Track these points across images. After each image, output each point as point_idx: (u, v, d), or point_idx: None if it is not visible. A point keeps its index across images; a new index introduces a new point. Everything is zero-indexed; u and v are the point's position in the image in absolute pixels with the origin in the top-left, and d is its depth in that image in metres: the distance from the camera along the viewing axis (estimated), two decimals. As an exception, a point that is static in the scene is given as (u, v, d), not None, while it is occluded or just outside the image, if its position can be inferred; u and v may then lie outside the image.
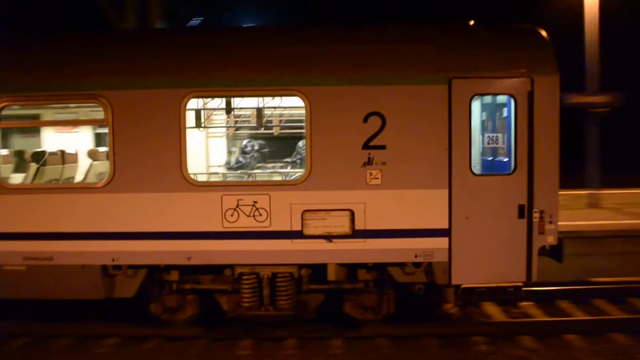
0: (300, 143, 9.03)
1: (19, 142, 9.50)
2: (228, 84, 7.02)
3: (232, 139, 10.27)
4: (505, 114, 7.28)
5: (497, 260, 6.94)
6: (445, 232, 6.85)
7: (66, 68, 7.08)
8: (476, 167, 7.13)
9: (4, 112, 7.17)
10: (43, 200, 7.08)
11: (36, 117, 9.18)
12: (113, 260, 6.97)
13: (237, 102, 8.27)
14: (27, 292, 7.18)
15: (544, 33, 7.15)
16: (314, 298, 7.43)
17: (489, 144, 7.51)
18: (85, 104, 8.11)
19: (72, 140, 9.63)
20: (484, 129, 7.94)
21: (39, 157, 8.33)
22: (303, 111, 6.92)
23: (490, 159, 7.88)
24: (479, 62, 6.88)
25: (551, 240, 6.95)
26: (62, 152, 8.81)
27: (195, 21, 25.46)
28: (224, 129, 9.87)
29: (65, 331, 7.48)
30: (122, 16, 15.49)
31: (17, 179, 8.34)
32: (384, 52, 7.03)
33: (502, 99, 7.40)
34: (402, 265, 7.05)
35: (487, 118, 7.97)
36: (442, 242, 6.86)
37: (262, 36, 7.79)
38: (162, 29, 7.94)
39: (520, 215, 6.86)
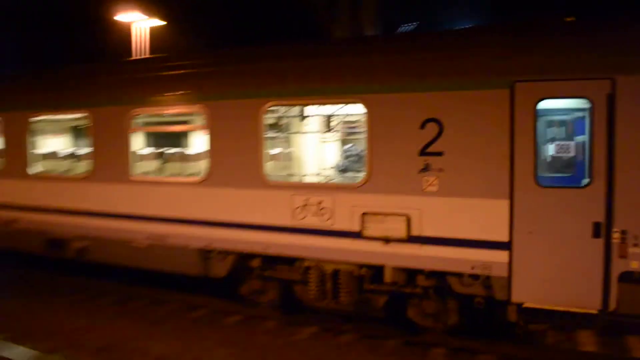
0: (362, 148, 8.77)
1: (151, 143, 11.14)
2: (300, 94, 7.65)
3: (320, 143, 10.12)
4: (579, 119, 6.46)
5: (565, 282, 6.26)
6: (506, 246, 6.43)
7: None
8: (544, 179, 6.49)
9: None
10: (160, 190, 8.63)
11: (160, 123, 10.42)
12: (207, 244, 8.19)
13: (309, 109, 8.85)
14: (146, 264, 8.84)
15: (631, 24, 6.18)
16: (378, 298, 7.63)
17: (558, 153, 6.74)
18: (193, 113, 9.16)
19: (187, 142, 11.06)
20: (553, 136, 7.07)
21: (161, 156, 9.93)
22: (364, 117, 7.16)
23: (560, 170, 7.02)
24: (545, 63, 6.28)
25: (636, 266, 6.03)
26: (177, 152, 10.10)
27: (408, 26, 25.74)
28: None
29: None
30: (335, 19, 16.87)
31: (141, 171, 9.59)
32: (440, 59, 6.89)
33: (575, 102, 6.58)
34: (459, 275, 6.86)
35: (557, 124, 7.07)
36: (501, 256, 6.46)
37: (329, 49, 8.26)
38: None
39: (596, 234, 6.08)
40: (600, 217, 6.08)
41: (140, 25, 18.95)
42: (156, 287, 9.59)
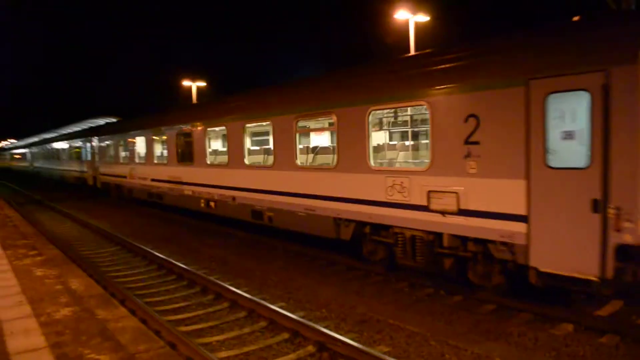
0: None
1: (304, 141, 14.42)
2: (388, 100, 10.12)
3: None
4: (583, 108, 7.30)
5: (571, 251, 7.38)
6: (524, 218, 7.85)
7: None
8: (552, 161, 7.57)
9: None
10: (310, 174, 12.03)
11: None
12: (337, 215, 11.20)
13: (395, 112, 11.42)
14: (303, 229, 12.29)
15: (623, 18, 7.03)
16: (445, 260, 9.51)
17: (565, 139, 7.60)
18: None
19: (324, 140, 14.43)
20: (560, 124, 7.74)
21: (313, 150, 13.39)
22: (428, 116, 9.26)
23: (567, 153, 7.71)
24: (551, 62, 7.51)
25: (629, 239, 6.86)
26: (322, 147, 13.45)
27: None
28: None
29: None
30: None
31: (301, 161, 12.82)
32: (473, 65, 8.66)
33: (578, 94, 7.37)
34: (494, 243, 8.38)
35: (563, 114, 7.66)
36: (521, 227, 7.90)
37: (405, 64, 10.75)
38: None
39: (595, 209, 7.09)
40: (598, 195, 7.06)
41: (411, 21, 19.21)
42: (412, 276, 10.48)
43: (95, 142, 30.06)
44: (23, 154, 71.01)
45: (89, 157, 31.30)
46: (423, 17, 19.21)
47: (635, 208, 6.80)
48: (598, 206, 7.07)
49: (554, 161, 7.62)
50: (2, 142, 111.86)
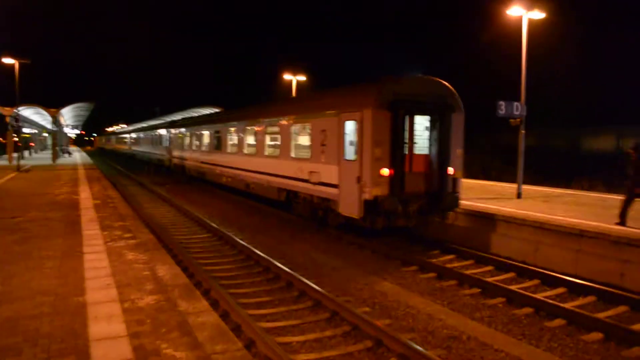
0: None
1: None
2: (301, 118, 16.31)
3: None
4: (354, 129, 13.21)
5: (351, 203, 12.89)
6: (337, 187, 13.65)
7: None
8: (346, 156, 13.41)
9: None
10: (270, 160, 18.69)
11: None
12: (278, 185, 17.71)
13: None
14: (266, 193, 19.20)
15: (381, 85, 12.83)
16: (319, 212, 15.84)
17: (350, 144, 13.36)
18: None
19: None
20: (349, 137, 13.47)
21: (273, 146, 18.89)
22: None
23: (350, 152, 13.35)
24: (347, 105, 13.55)
25: (368, 197, 12.34)
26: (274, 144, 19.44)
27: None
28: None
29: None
30: None
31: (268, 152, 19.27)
32: (324, 103, 15.05)
33: (354, 121, 13.15)
34: (329, 200, 14.30)
35: (351, 131, 13.37)
36: (337, 191, 13.70)
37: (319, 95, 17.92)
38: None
39: (358, 182, 12.65)
40: (359, 174, 12.56)
41: (525, 18, 17.29)
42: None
43: (171, 132, 37.07)
44: (123, 139, 77.23)
45: (167, 144, 38.21)
46: (538, 14, 17.69)
47: (367, 182, 12.33)
48: (359, 180, 12.62)
49: (347, 156, 13.39)
50: (115, 126, 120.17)
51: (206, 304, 6.74)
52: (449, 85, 13.63)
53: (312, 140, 15.12)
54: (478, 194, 17.47)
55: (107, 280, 7.65)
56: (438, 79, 13.54)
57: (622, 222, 11.39)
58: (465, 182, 22.80)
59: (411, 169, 12.97)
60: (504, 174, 27.98)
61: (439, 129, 13.10)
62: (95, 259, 8.93)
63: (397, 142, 12.39)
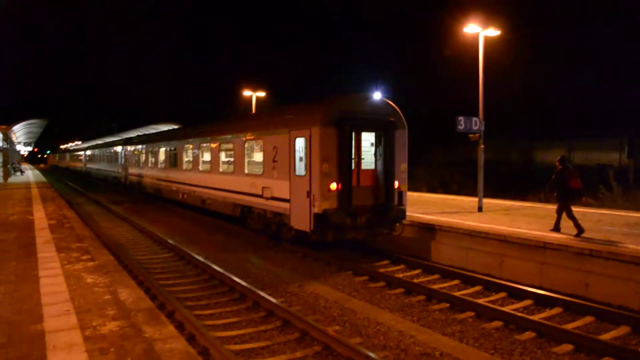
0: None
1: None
2: (254, 136, 16.21)
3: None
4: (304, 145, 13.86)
5: (302, 217, 13.38)
6: (288, 201, 14.14)
7: None
8: (297, 171, 13.93)
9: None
10: (224, 177, 19.01)
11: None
12: (233, 201, 17.55)
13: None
14: (222, 209, 19.40)
15: (328, 103, 13.58)
16: (273, 226, 16.18)
17: (300, 160, 13.90)
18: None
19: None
20: (299, 153, 14.03)
21: (227, 162, 18.88)
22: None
23: (300, 167, 13.90)
24: (296, 123, 14.12)
25: (317, 210, 12.82)
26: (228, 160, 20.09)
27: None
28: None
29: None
30: None
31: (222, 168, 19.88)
32: (276, 121, 15.58)
33: (303, 138, 13.77)
34: (282, 214, 14.73)
35: (300, 147, 13.94)
36: (288, 205, 14.20)
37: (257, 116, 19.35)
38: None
39: (307, 196, 13.18)
40: (308, 189, 13.10)
41: (481, 36, 17.55)
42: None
43: (127, 149, 37.18)
44: (78, 156, 75.77)
45: (122, 162, 38.52)
46: (494, 32, 17.94)
47: (317, 196, 12.80)
48: (309, 194, 13.12)
49: (297, 171, 13.89)
50: (69, 143, 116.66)
51: (173, 328, 6.45)
52: (393, 104, 14.49)
53: (264, 156, 15.58)
54: (440, 208, 17.65)
55: (66, 305, 7.24)
56: (383, 98, 14.36)
57: (556, 228, 12.39)
58: (427, 197, 23.18)
59: (359, 183, 13.64)
60: (464, 188, 28.42)
61: (384, 145, 13.88)
62: (53, 283, 8.46)
63: (344, 157, 13.03)
